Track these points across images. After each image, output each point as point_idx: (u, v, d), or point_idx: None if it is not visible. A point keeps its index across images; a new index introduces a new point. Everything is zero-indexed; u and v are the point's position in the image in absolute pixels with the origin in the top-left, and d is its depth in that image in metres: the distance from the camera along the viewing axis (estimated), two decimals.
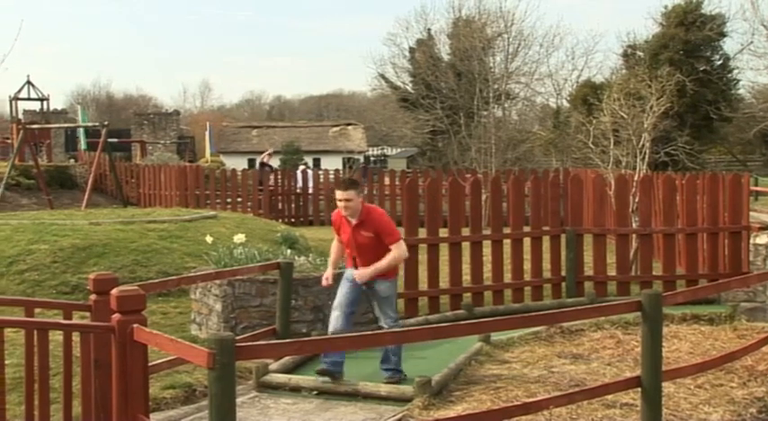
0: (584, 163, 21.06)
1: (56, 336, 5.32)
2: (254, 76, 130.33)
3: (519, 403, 5.75)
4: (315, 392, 6.92)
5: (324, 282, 7.44)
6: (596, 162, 15.06)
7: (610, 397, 6.10)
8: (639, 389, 5.66)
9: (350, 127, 56.20)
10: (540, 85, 40.10)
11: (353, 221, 7.12)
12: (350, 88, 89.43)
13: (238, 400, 4.81)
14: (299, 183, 26.32)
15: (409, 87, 43.13)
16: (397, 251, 7.12)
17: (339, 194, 7.12)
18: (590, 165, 18.25)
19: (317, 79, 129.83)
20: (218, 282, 8.50)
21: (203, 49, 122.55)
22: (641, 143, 13.48)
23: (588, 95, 29.95)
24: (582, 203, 11.80)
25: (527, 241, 11.26)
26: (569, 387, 6.55)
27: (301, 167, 26.78)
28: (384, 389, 6.75)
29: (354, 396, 6.76)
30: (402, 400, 6.51)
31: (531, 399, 5.87)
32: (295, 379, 7.13)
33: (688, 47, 36.72)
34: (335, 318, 7.21)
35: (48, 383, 5.18)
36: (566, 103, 41.23)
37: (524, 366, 7.42)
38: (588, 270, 11.51)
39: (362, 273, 7.08)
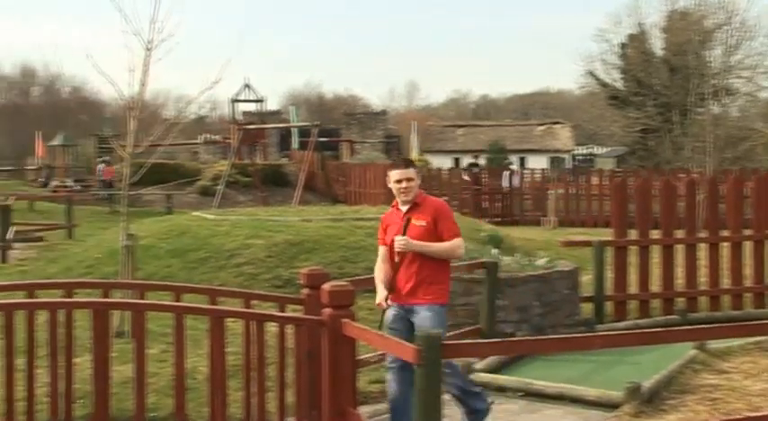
0: None
1: (270, 328, 5.55)
2: (460, 75, 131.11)
3: (741, 417, 5.39)
4: (520, 393, 6.82)
5: (383, 304, 5.81)
6: None
7: None
8: None
9: (556, 125, 55.29)
10: (765, 79, 37.82)
11: (405, 208, 5.69)
12: (557, 86, 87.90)
13: (443, 398, 4.80)
14: (505, 183, 26.18)
15: (619, 84, 41.89)
16: (457, 243, 5.61)
17: (399, 174, 5.62)
18: None
19: (522, 77, 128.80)
20: None
21: (411, 49, 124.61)
22: None
23: None
24: None
25: (747, 245, 10.60)
26: None
27: (506, 174, 26.64)
28: (592, 393, 6.56)
29: (561, 399, 6.61)
30: (610, 406, 6.31)
31: (755, 414, 5.49)
32: (500, 379, 7.07)
33: None
34: (390, 382, 5.72)
35: (264, 372, 5.41)
36: None
37: (745, 377, 6.96)
38: None
39: (407, 243, 5.51)
